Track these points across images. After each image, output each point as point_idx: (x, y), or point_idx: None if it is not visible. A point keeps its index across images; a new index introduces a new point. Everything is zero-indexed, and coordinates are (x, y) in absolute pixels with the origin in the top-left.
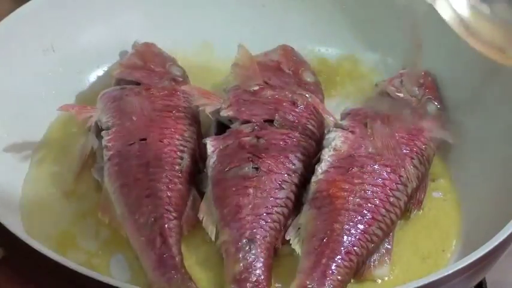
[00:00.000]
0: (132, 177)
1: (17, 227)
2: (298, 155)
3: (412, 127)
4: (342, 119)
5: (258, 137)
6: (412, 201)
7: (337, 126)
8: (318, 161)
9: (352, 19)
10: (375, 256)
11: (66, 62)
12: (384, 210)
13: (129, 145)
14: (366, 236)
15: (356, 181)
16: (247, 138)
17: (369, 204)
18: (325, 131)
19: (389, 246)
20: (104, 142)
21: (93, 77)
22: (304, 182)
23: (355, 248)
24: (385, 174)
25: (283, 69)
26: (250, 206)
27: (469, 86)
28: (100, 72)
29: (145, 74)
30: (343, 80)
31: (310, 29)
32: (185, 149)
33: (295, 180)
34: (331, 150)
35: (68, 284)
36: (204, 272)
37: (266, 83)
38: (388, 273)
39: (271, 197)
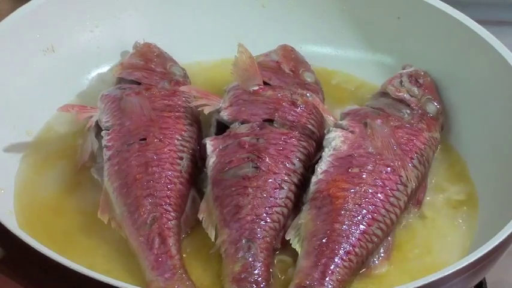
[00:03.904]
0: (131, 177)
1: (16, 227)
2: (298, 155)
3: (411, 127)
4: (342, 118)
5: (257, 137)
6: (412, 201)
7: (337, 126)
8: (318, 161)
9: (352, 19)
10: (375, 256)
11: (66, 62)
12: (383, 210)
13: (129, 145)
14: (366, 236)
15: (356, 181)
16: (246, 138)
17: (369, 205)
18: (325, 131)
19: (389, 247)
20: (103, 142)
21: (93, 77)
22: (304, 182)
23: (355, 248)
24: (385, 174)
25: (283, 69)
26: (249, 206)
27: (469, 86)
28: (100, 72)
29: (145, 74)
30: (343, 80)
31: (310, 29)
32: (185, 149)
33: (295, 180)
34: (331, 150)
35: (68, 284)
36: (203, 271)
37: (266, 83)
38: (387, 273)
39: (270, 197)
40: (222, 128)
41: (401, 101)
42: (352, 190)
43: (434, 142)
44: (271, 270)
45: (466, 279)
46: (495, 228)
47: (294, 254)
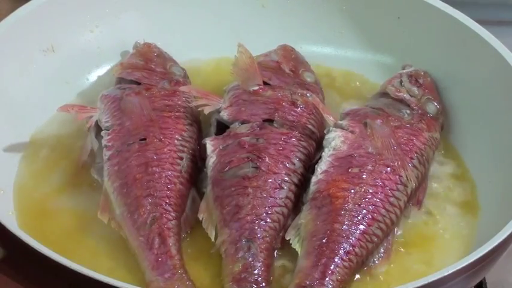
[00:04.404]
0: (131, 177)
1: (16, 227)
2: (298, 155)
3: (411, 127)
4: (342, 119)
5: (257, 137)
6: (412, 201)
7: (337, 126)
8: (318, 161)
9: (352, 19)
10: (375, 256)
11: (66, 62)
12: (383, 210)
13: (129, 145)
14: (366, 236)
15: (356, 181)
16: (246, 138)
17: (369, 205)
18: (325, 131)
19: (389, 247)
20: (103, 142)
21: (93, 77)
22: (304, 182)
23: (355, 248)
24: (384, 174)
25: (283, 69)
26: (249, 206)
27: (469, 86)
28: (100, 72)
29: (145, 74)
30: (343, 80)
31: (310, 29)
32: (185, 149)
33: (295, 180)
34: (331, 150)
35: (68, 284)
36: (203, 271)
37: (266, 83)
38: (387, 273)
39: (270, 197)
40: (222, 128)
41: (401, 101)
42: (352, 190)
43: (434, 142)
44: (271, 270)
45: (466, 279)
46: (495, 228)
47: (294, 258)
